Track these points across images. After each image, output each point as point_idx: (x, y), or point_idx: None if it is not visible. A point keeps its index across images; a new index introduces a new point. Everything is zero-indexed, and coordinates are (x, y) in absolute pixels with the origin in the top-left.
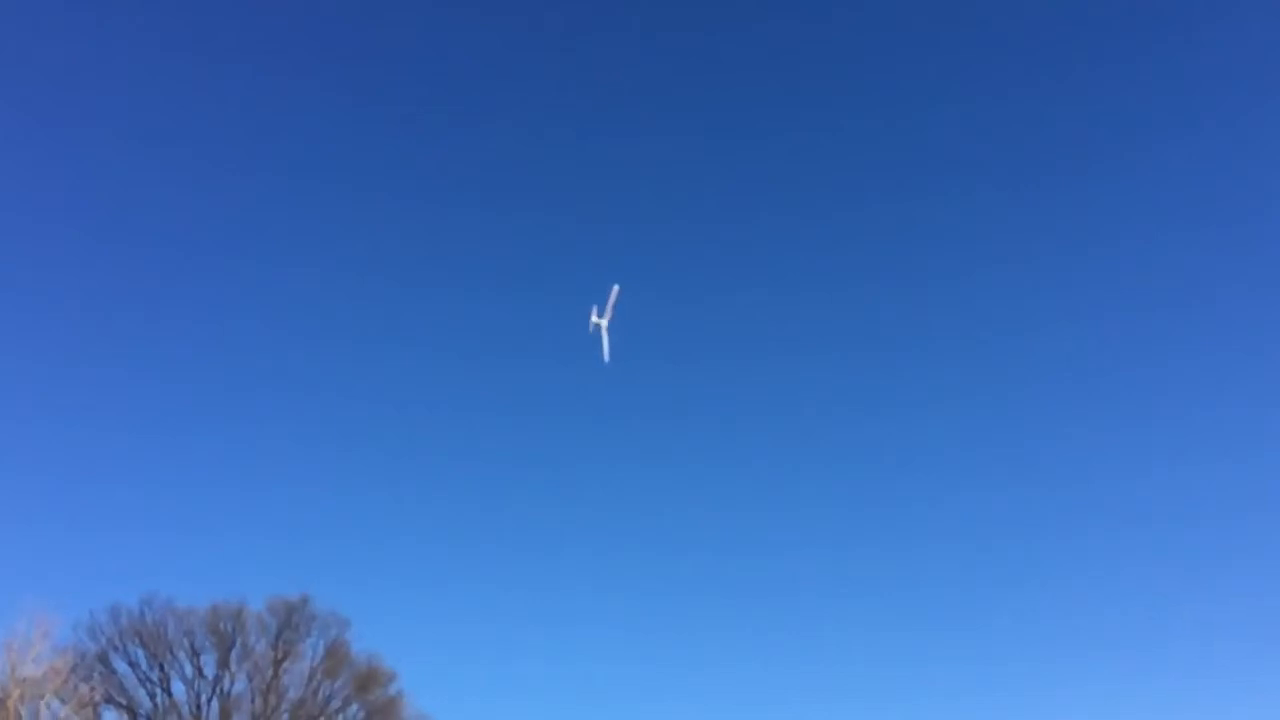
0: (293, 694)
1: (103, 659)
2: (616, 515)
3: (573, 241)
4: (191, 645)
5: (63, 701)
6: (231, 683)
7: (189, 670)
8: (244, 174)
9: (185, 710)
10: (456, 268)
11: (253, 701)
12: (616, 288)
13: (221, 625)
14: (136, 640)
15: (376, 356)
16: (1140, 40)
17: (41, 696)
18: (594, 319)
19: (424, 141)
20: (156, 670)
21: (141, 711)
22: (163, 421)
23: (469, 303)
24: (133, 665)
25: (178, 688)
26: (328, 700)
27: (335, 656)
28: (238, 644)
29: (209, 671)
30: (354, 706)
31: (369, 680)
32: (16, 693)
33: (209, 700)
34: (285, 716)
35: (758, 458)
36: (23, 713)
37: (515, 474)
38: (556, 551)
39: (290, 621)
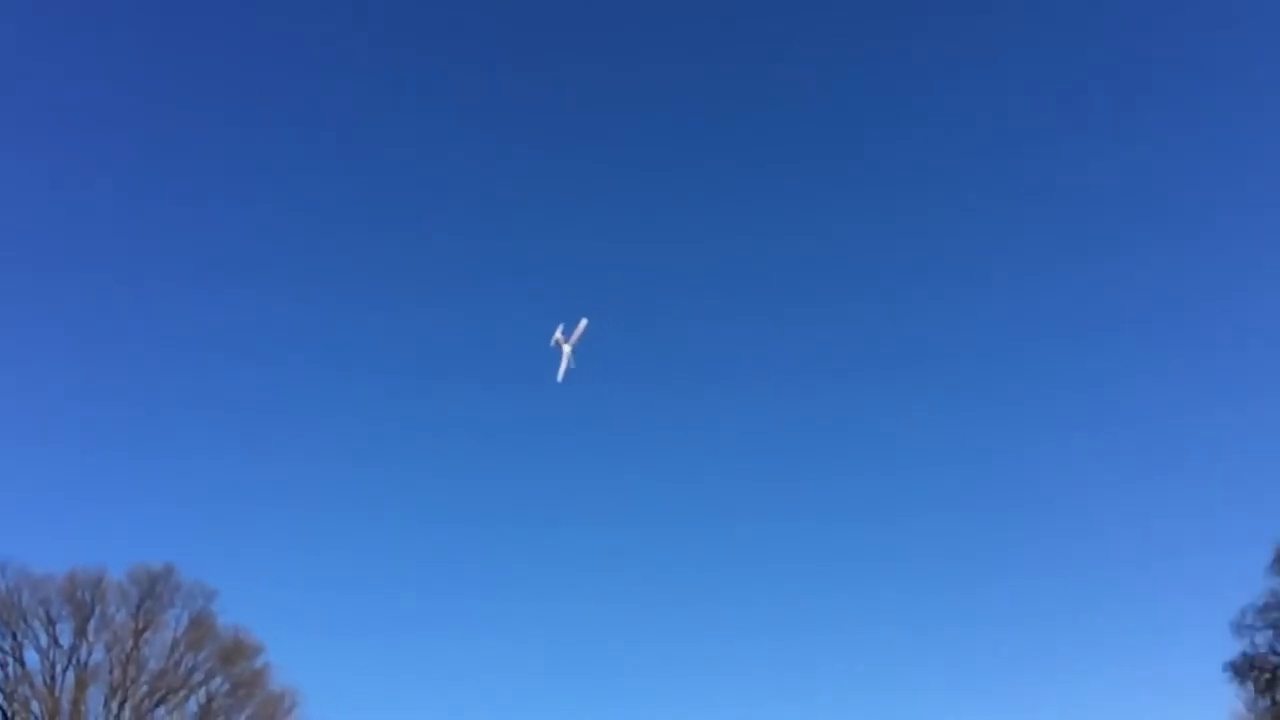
0: (154, 665)
1: None
2: (490, 487)
3: (527, 262)
4: (47, 613)
5: None
6: (89, 653)
7: (44, 639)
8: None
9: (39, 680)
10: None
11: (111, 672)
12: (585, 321)
13: (79, 593)
14: None
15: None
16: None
17: None
18: (557, 336)
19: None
20: (9, 639)
21: None
22: (20, 380)
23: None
24: None
25: (31, 657)
26: (190, 672)
27: (200, 628)
28: (96, 613)
29: (65, 641)
30: (218, 679)
31: (235, 653)
32: None
33: (64, 671)
34: (145, 688)
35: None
36: None
37: (392, 442)
38: (433, 523)
39: (153, 591)
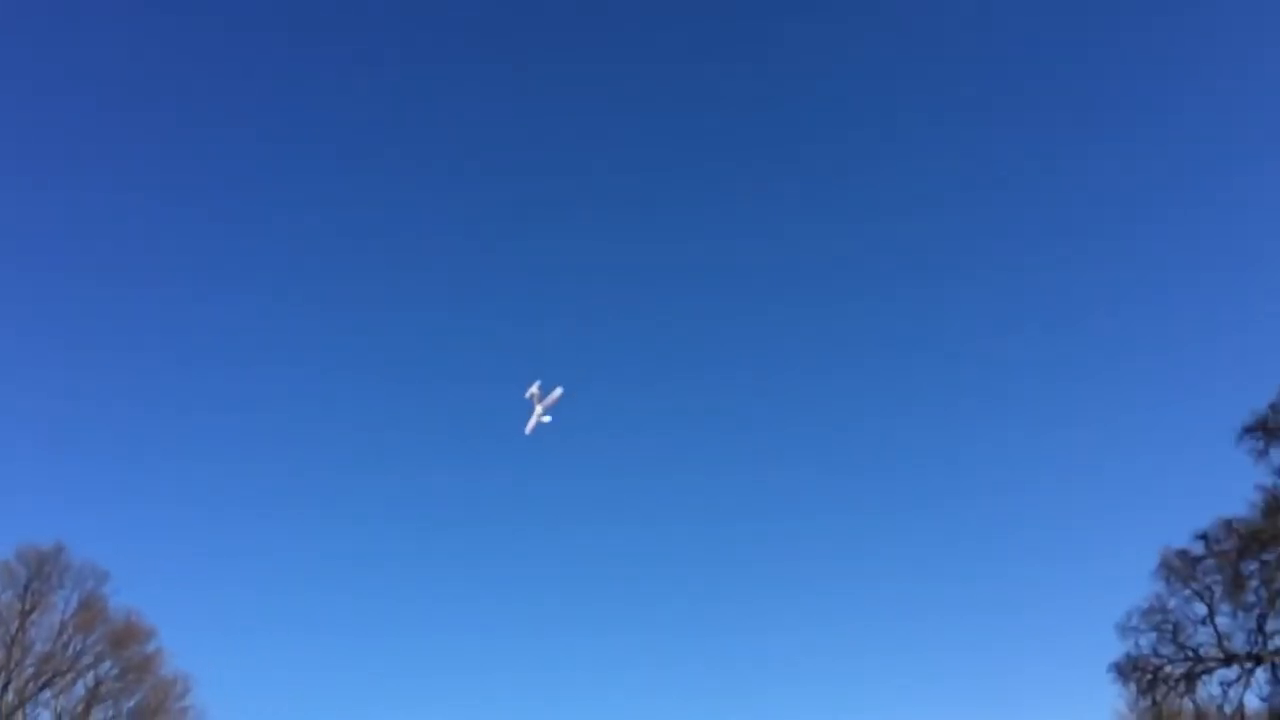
0: (40, 648)
1: None
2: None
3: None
4: None
5: None
6: None
7: None
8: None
9: None
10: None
11: None
12: (559, 390)
13: None
14: None
15: None
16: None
17: None
18: (533, 390)
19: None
20: None
21: None
22: None
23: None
24: None
25: None
26: (79, 655)
27: (89, 610)
28: None
29: None
30: (108, 663)
31: (126, 636)
32: None
33: None
34: (30, 670)
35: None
36: None
37: (289, 433)
38: (327, 515)
39: (41, 571)
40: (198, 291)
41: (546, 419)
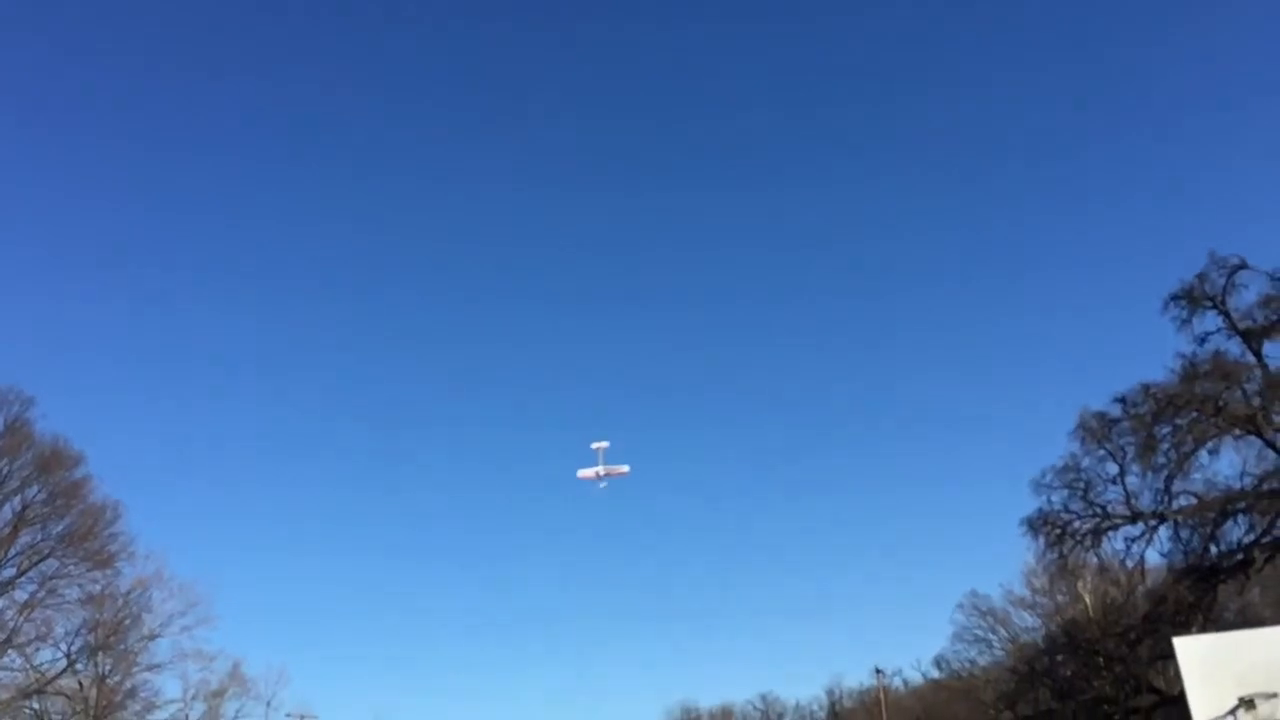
0: None
1: None
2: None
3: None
4: None
5: None
6: None
7: None
8: None
9: None
10: None
11: None
12: (627, 469)
13: None
14: None
15: None
16: None
17: None
18: (600, 445)
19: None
20: None
21: None
22: None
23: None
24: None
25: None
26: (5, 478)
27: (15, 435)
28: None
29: None
30: (34, 488)
31: (53, 461)
32: None
33: None
34: None
35: None
36: None
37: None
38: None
39: None
40: None
41: (603, 484)
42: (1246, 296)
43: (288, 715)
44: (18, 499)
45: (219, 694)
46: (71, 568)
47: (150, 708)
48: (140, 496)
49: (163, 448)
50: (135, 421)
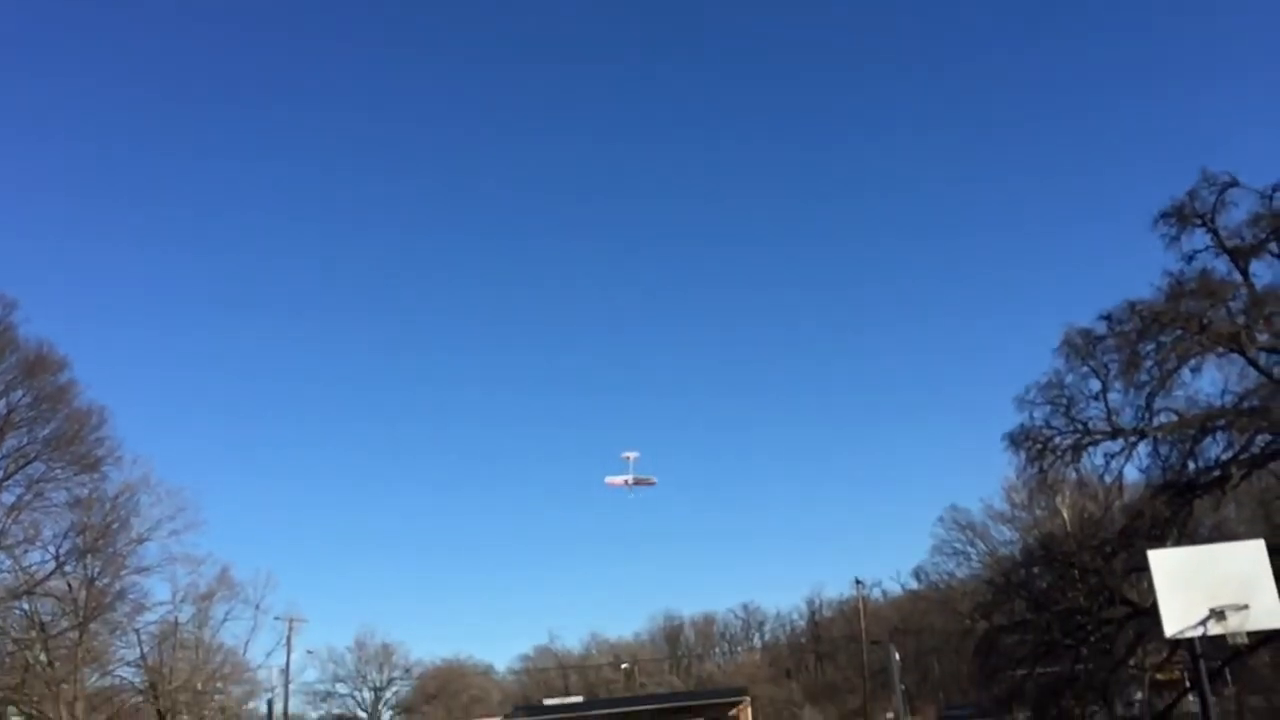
0: None
1: None
2: None
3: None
4: None
5: None
6: None
7: None
8: None
9: None
10: None
11: None
12: (655, 480)
13: None
14: None
15: None
16: None
17: None
18: (631, 455)
19: None
20: None
21: None
22: None
23: None
24: None
25: None
26: None
27: None
28: None
29: None
30: (19, 391)
31: (37, 366)
32: None
33: None
34: None
35: None
36: None
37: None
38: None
39: None
40: None
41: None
42: (1236, 215)
43: (276, 618)
44: (2, 402)
45: (207, 597)
46: (58, 471)
47: (140, 610)
48: (129, 405)
49: (150, 356)
50: (121, 329)
